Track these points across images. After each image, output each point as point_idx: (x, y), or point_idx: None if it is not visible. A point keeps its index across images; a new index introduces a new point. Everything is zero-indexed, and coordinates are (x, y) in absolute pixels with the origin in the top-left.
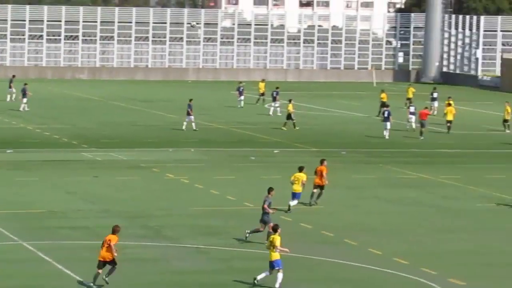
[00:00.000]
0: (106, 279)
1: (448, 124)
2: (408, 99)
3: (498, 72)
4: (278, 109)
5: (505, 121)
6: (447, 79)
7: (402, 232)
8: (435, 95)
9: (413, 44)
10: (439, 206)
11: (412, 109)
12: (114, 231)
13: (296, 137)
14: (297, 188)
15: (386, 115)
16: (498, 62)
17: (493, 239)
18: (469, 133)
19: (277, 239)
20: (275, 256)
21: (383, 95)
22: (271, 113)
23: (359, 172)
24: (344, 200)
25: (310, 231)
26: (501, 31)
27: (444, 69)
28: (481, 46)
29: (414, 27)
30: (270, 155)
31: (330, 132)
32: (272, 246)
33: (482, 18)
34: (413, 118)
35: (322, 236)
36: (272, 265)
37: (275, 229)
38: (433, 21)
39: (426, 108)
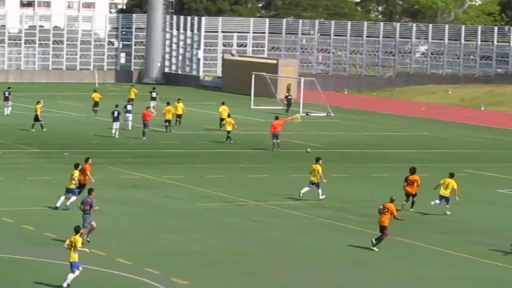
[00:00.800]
0: None
1: (167, 124)
2: (130, 99)
3: (219, 73)
4: (9, 108)
5: (222, 119)
6: (169, 79)
7: (127, 233)
8: (154, 94)
9: (135, 45)
10: (164, 207)
11: (129, 107)
12: None
13: (18, 138)
14: (70, 184)
15: (115, 114)
16: (219, 62)
17: (215, 239)
18: (191, 133)
19: (78, 240)
20: (74, 257)
21: (95, 94)
22: (8, 113)
23: None
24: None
25: (32, 232)
26: (222, 32)
27: (166, 70)
28: (202, 47)
29: (136, 28)
30: None
31: (53, 133)
32: (72, 246)
33: (203, 19)
34: (130, 117)
35: (45, 237)
36: (71, 265)
37: (76, 231)
38: (155, 22)
39: (148, 108)
